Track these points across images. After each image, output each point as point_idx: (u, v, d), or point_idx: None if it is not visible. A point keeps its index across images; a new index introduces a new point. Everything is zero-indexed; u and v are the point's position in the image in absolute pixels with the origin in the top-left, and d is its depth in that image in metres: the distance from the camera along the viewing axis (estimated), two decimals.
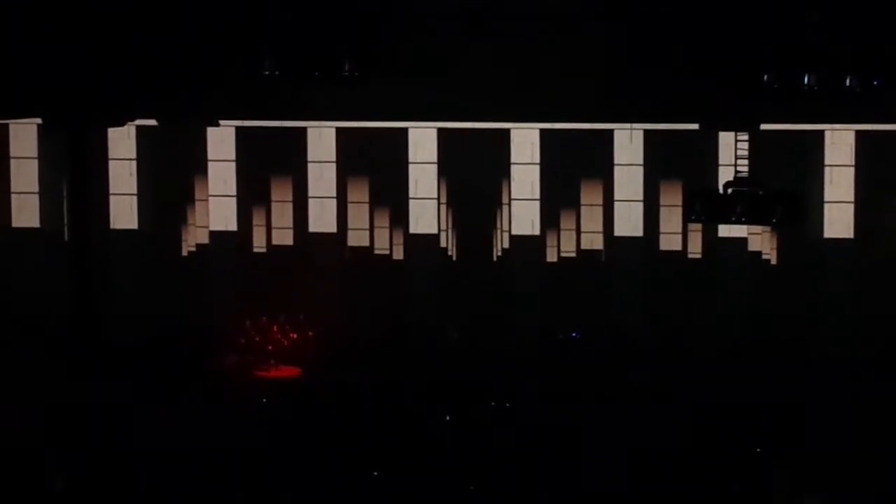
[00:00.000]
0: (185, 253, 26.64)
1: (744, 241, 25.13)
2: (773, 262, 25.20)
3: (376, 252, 26.24)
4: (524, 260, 25.73)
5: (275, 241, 26.44)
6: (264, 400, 22.73)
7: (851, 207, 24.88)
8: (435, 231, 25.92)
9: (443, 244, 26.01)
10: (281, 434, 20.95)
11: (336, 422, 21.40)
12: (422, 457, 20.12)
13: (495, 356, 24.70)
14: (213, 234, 26.46)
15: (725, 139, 24.03)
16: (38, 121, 24.24)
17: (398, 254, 26.18)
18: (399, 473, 19.67)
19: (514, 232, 25.72)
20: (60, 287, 24.18)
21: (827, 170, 24.92)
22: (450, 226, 26.00)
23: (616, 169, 25.41)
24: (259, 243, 26.47)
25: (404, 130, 25.73)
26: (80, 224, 22.38)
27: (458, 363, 24.33)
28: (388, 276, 26.09)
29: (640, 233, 25.35)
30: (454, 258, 26.09)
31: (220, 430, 21.06)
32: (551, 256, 25.76)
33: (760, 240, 25.13)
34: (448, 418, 21.60)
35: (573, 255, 25.78)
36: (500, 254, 25.95)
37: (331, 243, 26.19)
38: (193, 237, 26.54)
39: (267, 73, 19.46)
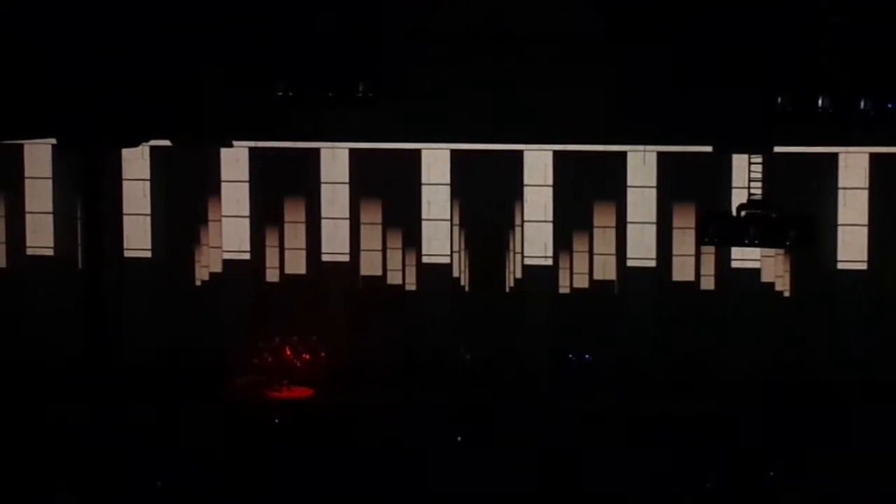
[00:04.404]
0: (198, 283, 26.63)
1: (757, 271, 25.05)
2: (787, 294, 25.12)
3: (389, 283, 26.22)
4: (537, 291, 25.65)
5: (288, 268, 26.40)
6: (276, 420, 22.72)
7: (865, 231, 24.81)
8: (447, 252, 25.89)
9: (455, 273, 25.98)
10: (293, 454, 20.95)
11: (348, 442, 21.41)
12: (433, 478, 20.11)
13: (506, 379, 24.71)
14: (226, 262, 26.43)
15: (739, 161, 23.98)
16: (53, 141, 24.29)
17: (410, 278, 26.15)
18: (410, 495, 19.66)
19: (526, 254, 25.68)
20: (74, 313, 24.14)
21: (841, 193, 24.86)
22: (462, 248, 25.99)
23: (629, 191, 25.39)
24: (272, 272, 26.44)
25: (417, 152, 25.74)
26: (93, 247, 22.38)
27: (470, 385, 24.34)
28: (401, 308, 26.05)
29: (652, 254, 25.30)
30: (466, 289, 26.06)
31: (232, 450, 21.08)
32: (564, 283, 25.69)
33: (773, 269, 25.05)
34: (459, 439, 21.60)
35: (586, 286, 25.73)
36: (512, 285, 25.92)
37: (344, 272, 26.15)
38: (207, 258, 26.53)
39: (281, 94, 19.50)
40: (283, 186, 26.34)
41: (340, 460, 20.76)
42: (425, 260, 26.05)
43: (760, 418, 22.44)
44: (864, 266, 24.87)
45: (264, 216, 26.43)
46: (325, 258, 26.28)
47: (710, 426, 22.01)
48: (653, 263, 25.43)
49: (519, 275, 25.82)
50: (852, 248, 24.84)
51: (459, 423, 22.12)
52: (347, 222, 26.17)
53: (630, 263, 25.51)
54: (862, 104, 18.84)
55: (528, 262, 25.77)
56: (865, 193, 24.82)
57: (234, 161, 26.24)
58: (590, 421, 22.34)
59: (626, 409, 23.10)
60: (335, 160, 26.08)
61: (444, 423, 22.21)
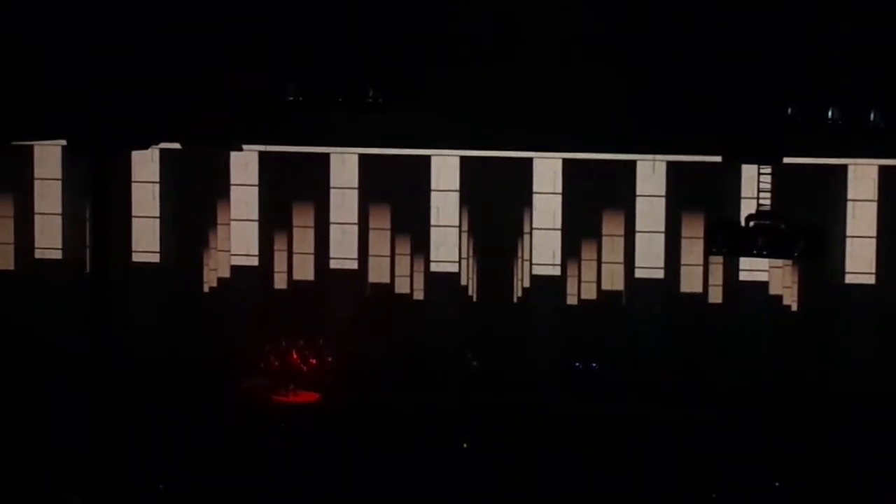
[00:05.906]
0: (206, 289, 26.63)
1: (765, 284, 25.01)
2: (794, 307, 25.08)
3: (397, 291, 26.21)
4: (544, 302, 25.63)
5: (296, 273, 26.40)
6: (282, 425, 22.73)
7: (874, 243, 24.79)
8: (455, 259, 25.89)
9: (463, 281, 25.95)
10: (298, 459, 20.97)
11: (354, 447, 21.42)
12: (438, 484, 20.12)
13: (513, 386, 24.69)
14: (234, 268, 26.42)
15: (748, 172, 23.97)
16: (62, 143, 24.31)
17: (418, 284, 26.13)
18: (416, 500, 19.67)
19: (534, 261, 25.66)
20: (80, 316, 24.12)
21: (850, 204, 24.83)
22: (470, 254, 25.98)
23: (638, 200, 25.39)
24: (280, 278, 26.42)
25: (427, 158, 25.75)
26: (101, 251, 22.37)
27: (477, 392, 24.32)
28: (408, 315, 26.04)
29: (660, 264, 25.29)
30: (474, 298, 26.03)
31: (236, 453, 21.09)
32: (572, 292, 25.67)
33: (781, 281, 25.00)
34: (465, 446, 21.60)
35: (593, 297, 25.71)
36: (520, 294, 25.88)
37: (351, 281, 26.13)
38: (215, 262, 26.55)
39: (290, 98, 19.51)
40: (292, 191, 26.36)
41: (346, 465, 20.76)
42: (433, 267, 26.05)
43: (766, 430, 22.39)
44: (872, 279, 24.83)
45: (273, 220, 26.44)
46: (333, 264, 26.28)
47: (716, 437, 21.98)
48: (661, 274, 25.41)
49: (527, 283, 25.80)
50: (860, 260, 24.80)
51: (465, 430, 22.12)
52: (356, 227, 26.17)
53: (638, 274, 25.48)
54: (872, 116, 18.80)
55: (536, 270, 25.73)
56: (874, 205, 24.80)
57: (244, 165, 26.26)
58: (596, 430, 22.32)
59: (632, 418, 23.06)
60: (344, 165, 26.09)
61: (451, 429, 22.20)
